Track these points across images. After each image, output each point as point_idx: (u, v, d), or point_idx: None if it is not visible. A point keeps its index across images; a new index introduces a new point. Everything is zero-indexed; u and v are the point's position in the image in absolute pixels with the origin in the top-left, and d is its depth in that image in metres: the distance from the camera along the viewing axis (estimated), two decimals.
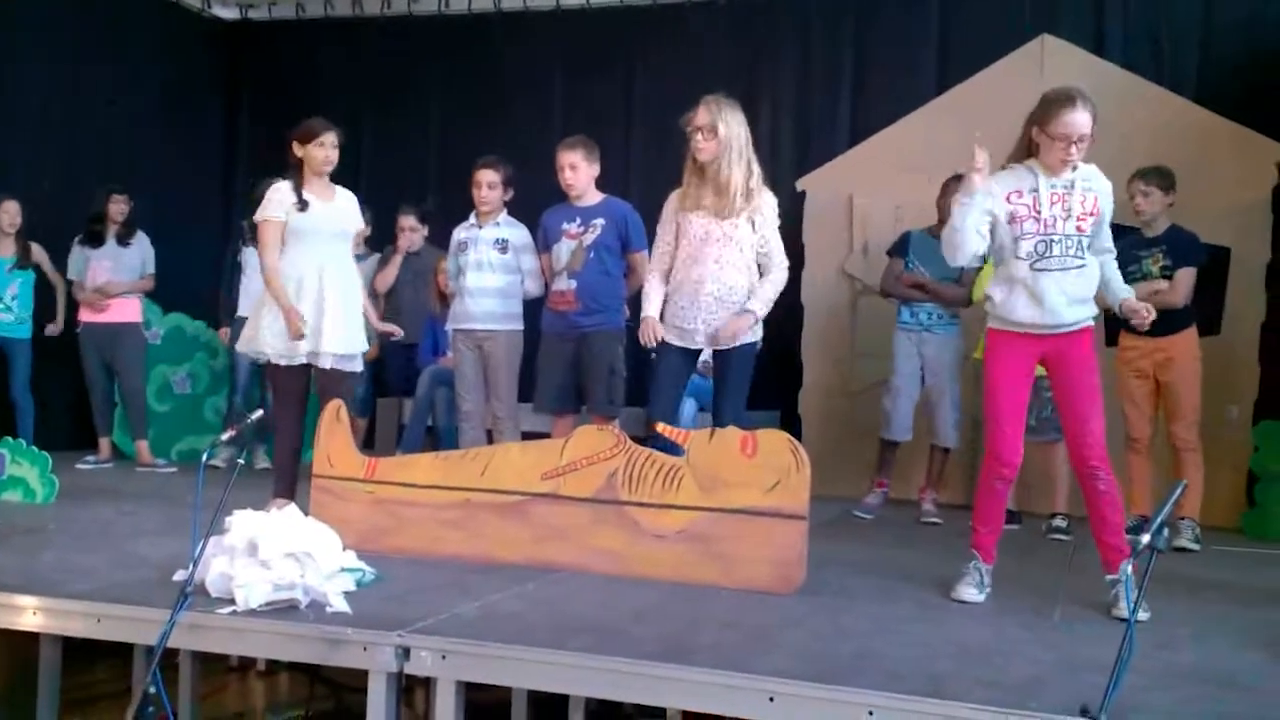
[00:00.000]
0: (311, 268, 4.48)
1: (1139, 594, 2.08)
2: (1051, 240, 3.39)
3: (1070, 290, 3.41)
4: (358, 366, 4.69)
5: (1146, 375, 4.94)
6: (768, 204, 4.26)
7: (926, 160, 5.90)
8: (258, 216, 4.55)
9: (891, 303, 5.64)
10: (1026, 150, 3.48)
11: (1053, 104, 3.37)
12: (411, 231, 6.50)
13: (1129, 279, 4.94)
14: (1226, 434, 5.45)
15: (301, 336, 4.42)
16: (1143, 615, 3.13)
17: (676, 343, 4.32)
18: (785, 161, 7.03)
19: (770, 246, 4.26)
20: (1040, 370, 4.92)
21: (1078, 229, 3.40)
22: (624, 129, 7.37)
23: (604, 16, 7.58)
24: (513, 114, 7.50)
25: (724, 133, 4.14)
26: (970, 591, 3.46)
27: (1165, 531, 2.17)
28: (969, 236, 3.45)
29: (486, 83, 7.72)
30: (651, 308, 4.32)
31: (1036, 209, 3.41)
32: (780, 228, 4.36)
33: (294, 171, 4.54)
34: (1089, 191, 3.44)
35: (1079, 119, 3.31)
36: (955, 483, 6.02)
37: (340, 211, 4.63)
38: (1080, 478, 3.51)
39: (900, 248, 5.55)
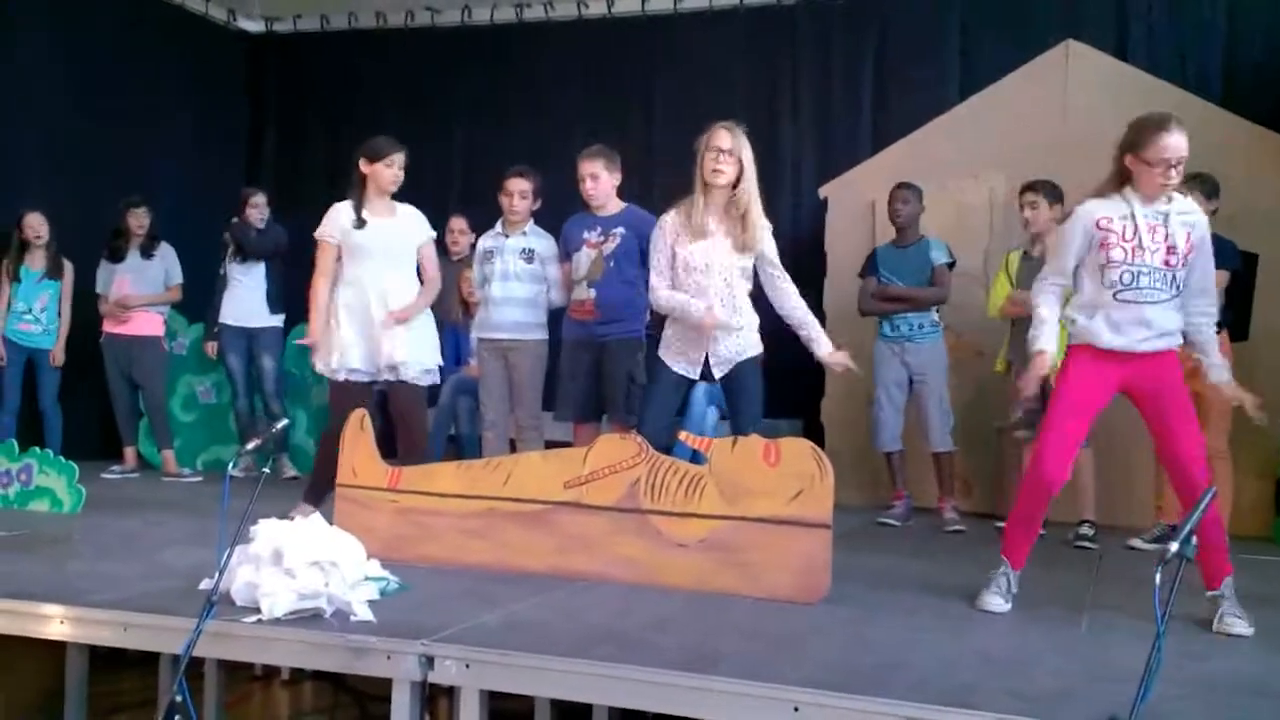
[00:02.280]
0: (372, 285, 4.54)
1: (1168, 602, 2.05)
2: (1139, 272, 3.32)
3: (1154, 322, 3.34)
4: (428, 379, 4.71)
5: None
6: (769, 234, 4.22)
7: (949, 168, 5.89)
8: (316, 233, 4.60)
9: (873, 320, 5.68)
10: (1119, 180, 3.41)
11: (1146, 128, 3.30)
12: (461, 235, 6.55)
13: None
14: (1256, 442, 5.39)
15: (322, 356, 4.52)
16: (1245, 630, 3.17)
17: (675, 368, 4.22)
18: (807, 169, 7.04)
19: (779, 269, 4.23)
20: None
21: (1165, 263, 3.32)
22: (645, 139, 7.38)
23: (625, 26, 7.60)
24: (535, 124, 7.53)
25: (746, 159, 4.05)
26: (995, 600, 3.43)
27: (1194, 539, 2.14)
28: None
29: (509, 93, 7.76)
30: (692, 304, 4.13)
31: (1125, 238, 3.34)
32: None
33: (356, 189, 4.60)
34: (1185, 225, 3.36)
35: (1176, 141, 3.25)
36: (979, 492, 6.00)
37: (400, 228, 4.66)
38: (1185, 500, 3.40)
39: (870, 267, 5.64)
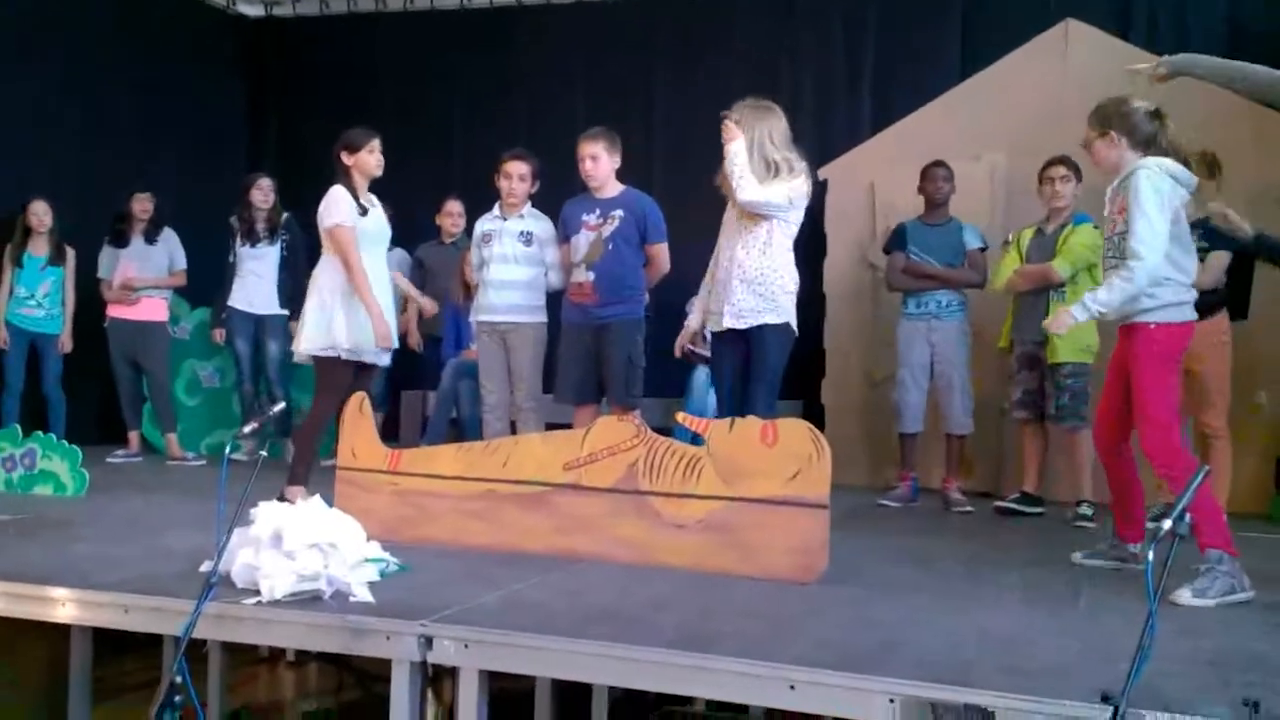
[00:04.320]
0: (372, 269, 4.67)
1: (1161, 580, 2.06)
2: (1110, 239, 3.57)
3: None
4: (378, 359, 4.78)
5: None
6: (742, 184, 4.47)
7: (949, 148, 5.87)
8: (330, 223, 4.63)
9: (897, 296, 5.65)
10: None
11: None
12: (460, 217, 6.55)
13: None
14: (1255, 420, 5.40)
15: (389, 343, 4.65)
16: (1243, 596, 3.29)
17: (710, 325, 4.59)
18: (807, 150, 6.97)
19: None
20: (1062, 357, 4.94)
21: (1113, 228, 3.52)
22: (645, 119, 7.38)
23: (625, 7, 7.58)
24: (535, 106, 7.53)
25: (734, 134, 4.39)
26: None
27: (1188, 517, 2.15)
28: None
29: (509, 76, 7.75)
30: (699, 299, 4.67)
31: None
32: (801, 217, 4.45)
33: (344, 179, 4.69)
34: (1120, 191, 3.53)
35: None
36: (981, 472, 6.01)
37: (383, 216, 4.84)
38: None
39: (897, 241, 5.56)
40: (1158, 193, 3.43)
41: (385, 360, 4.80)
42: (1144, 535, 3.78)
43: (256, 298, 6.68)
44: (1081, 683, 2.37)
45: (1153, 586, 2.05)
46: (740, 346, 4.42)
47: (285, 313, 6.73)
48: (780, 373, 4.40)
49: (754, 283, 4.35)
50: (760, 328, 4.35)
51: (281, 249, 6.72)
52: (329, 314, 4.61)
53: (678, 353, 4.91)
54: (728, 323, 4.39)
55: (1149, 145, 3.57)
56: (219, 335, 6.85)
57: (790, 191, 4.32)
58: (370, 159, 4.70)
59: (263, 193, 6.67)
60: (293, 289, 6.66)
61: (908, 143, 6.18)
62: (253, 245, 6.66)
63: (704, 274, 6.26)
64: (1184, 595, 3.27)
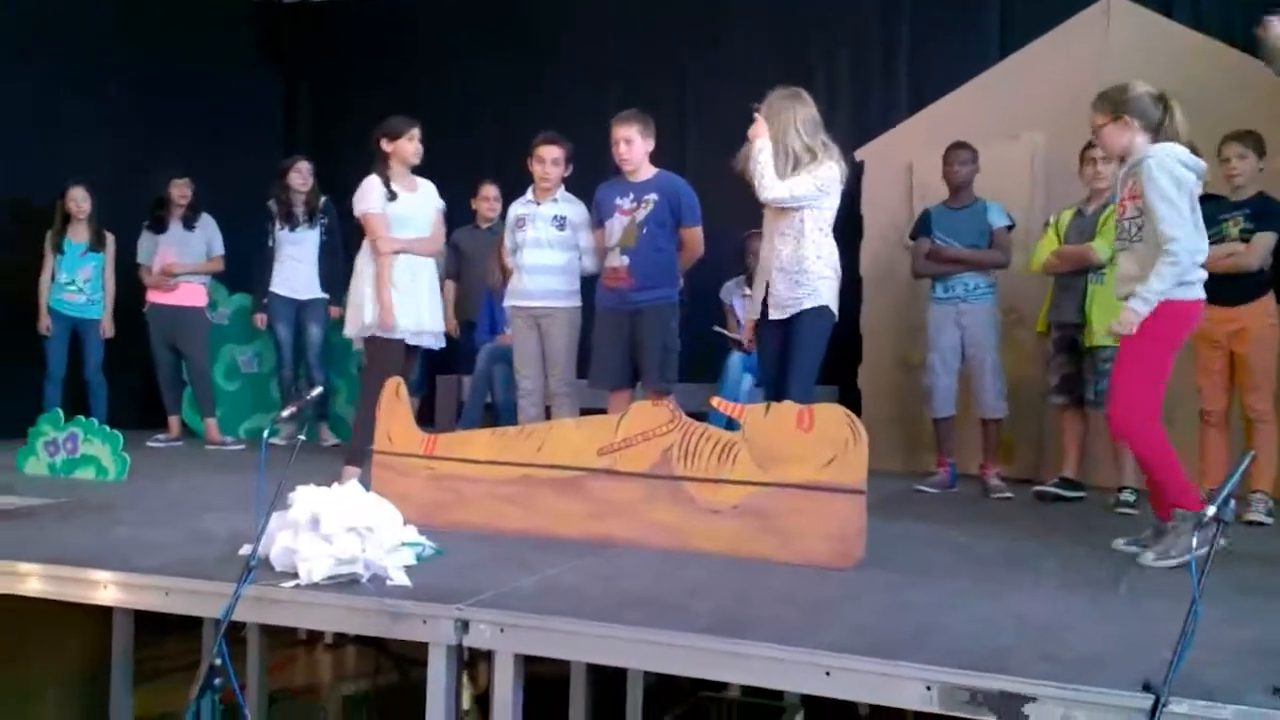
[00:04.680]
0: (403, 255, 4.84)
1: (1204, 566, 2.02)
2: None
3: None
4: (435, 344, 5.06)
5: (1220, 346, 4.82)
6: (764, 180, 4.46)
7: (987, 128, 5.80)
8: (359, 210, 4.86)
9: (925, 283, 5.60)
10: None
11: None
12: (496, 201, 6.56)
13: (1209, 242, 4.85)
14: None
15: (389, 326, 4.80)
16: (1151, 561, 3.51)
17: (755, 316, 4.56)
18: (843, 132, 6.91)
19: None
20: (1101, 340, 4.88)
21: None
22: (677, 104, 7.34)
23: None
24: (567, 88, 7.50)
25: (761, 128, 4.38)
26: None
27: (1232, 503, 2.11)
28: None
29: (542, 58, 7.72)
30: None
31: None
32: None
33: (380, 166, 4.89)
34: (1131, 177, 3.68)
35: None
36: (1020, 457, 5.95)
37: (423, 200, 4.98)
38: None
39: (922, 228, 5.52)
40: (1174, 178, 3.53)
41: (432, 344, 5.01)
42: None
43: (297, 282, 6.72)
44: (1121, 670, 2.34)
45: (1196, 573, 2.02)
46: (779, 335, 4.42)
47: (326, 296, 6.77)
48: (819, 360, 4.39)
49: (791, 272, 4.35)
50: (798, 315, 4.35)
51: (321, 232, 6.75)
52: (370, 298, 4.79)
53: (748, 347, 4.83)
54: (772, 313, 4.41)
55: (1158, 131, 3.65)
56: (260, 320, 6.90)
57: (816, 180, 4.29)
58: (409, 146, 4.87)
59: (301, 176, 6.71)
60: (330, 272, 6.70)
61: (945, 124, 6.09)
62: (292, 229, 6.70)
63: (740, 257, 6.29)
64: (1148, 558, 3.52)
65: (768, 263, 4.44)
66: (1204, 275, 3.63)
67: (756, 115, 4.35)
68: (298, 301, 6.74)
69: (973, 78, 6.27)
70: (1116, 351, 4.86)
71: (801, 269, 4.34)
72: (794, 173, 4.29)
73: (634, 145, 4.83)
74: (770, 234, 4.45)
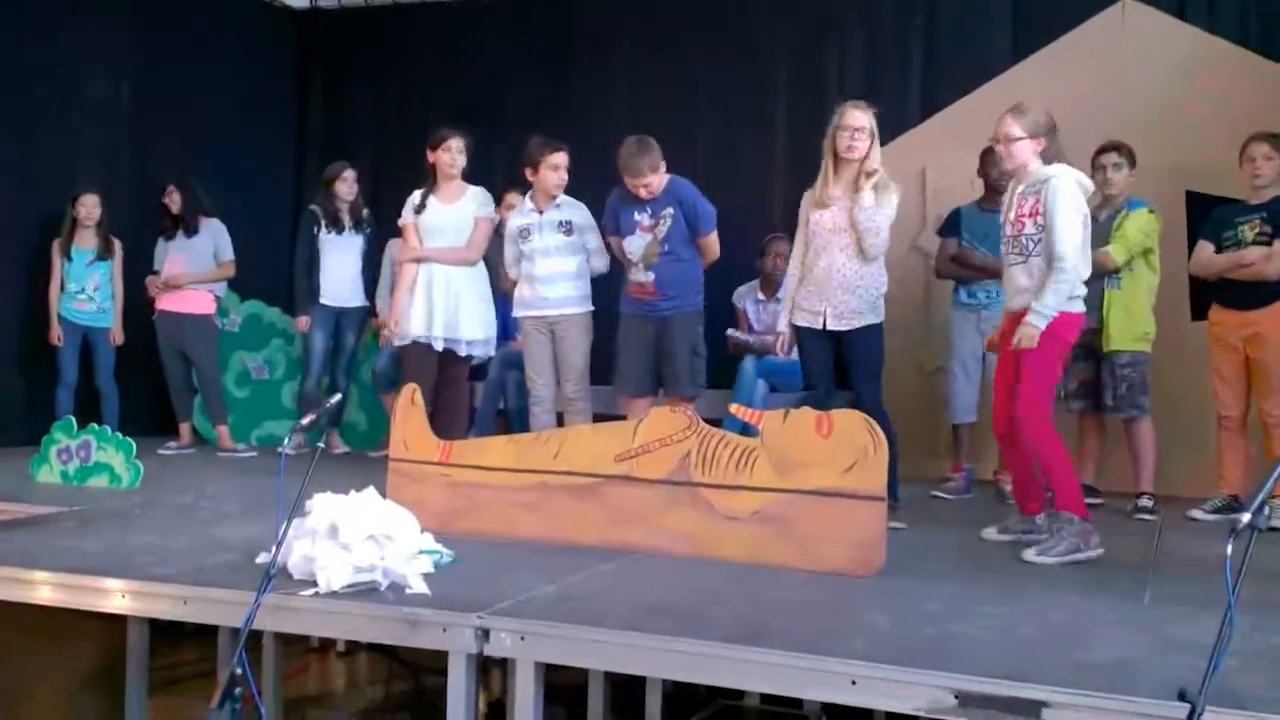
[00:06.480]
0: (424, 263, 5.14)
1: (1239, 574, 1.99)
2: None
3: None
4: (482, 351, 5.36)
5: (1236, 350, 4.79)
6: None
7: None
8: (400, 222, 5.30)
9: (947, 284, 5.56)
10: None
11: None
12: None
13: (1224, 246, 4.82)
14: None
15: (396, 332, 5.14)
16: (1034, 558, 3.66)
17: (800, 323, 4.55)
18: None
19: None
20: (1118, 345, 4.86)
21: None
22: (689, 108, 7.30)
23: None
24: (583, 92, 7.48)
25: (874, 131, 4.40)
26: None
27: (1267, 510, 2.08)
28: None
29: (556, 63, 7.70)
30: (782, 316, 4.67)
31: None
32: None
33: (430, 175, 5.19)
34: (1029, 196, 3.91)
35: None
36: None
37: (458, 211, 5.21)
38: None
39: (951, 226, 5.46)
40: (1076, 202, 3.82)
41: (480, 351, 5.32)
42: (1044, 505, 4.02)
43: (339, 289, 6.67)
44: (1150, 677, 2.32)
45: (1231, 581, 1.99)
46: (832, 345, 4.50)
47: (366, 305, 6.75)
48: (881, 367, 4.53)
49: (856, 288, 4.41)
50: (865, 329, 4.42)
51: (365, 240, 6.73)
52: (408, 304, 5.10)
53: (782, 353, 4.77)
54: (830, 324, 4.44)
55: (1055, 155, 3.90)
56: (304, 323, 6.77)
57: (891, 218, 4.42)
58: (443, 157, 5.15)
59: (347, 184, 6.67)
60: (368, 281, 6.71)
61: (959, 128, 6.08)
62: (338, 234, 6.65)
63: (751, 260, 6.23)
64: (1029, 554, 3.68)
65: (825, 275, 4.43)
66: (1085, 291, 3.89)
67: (871, 116, 4.37)
68: (336, 310, 6.69)
69: (987, 82, 6.24)
70: (1132, 356, 4.88)
71: (866, 285, 4.42)
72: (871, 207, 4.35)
73: (653, 185, 4.76)
74: (828, 248, 4.43)
